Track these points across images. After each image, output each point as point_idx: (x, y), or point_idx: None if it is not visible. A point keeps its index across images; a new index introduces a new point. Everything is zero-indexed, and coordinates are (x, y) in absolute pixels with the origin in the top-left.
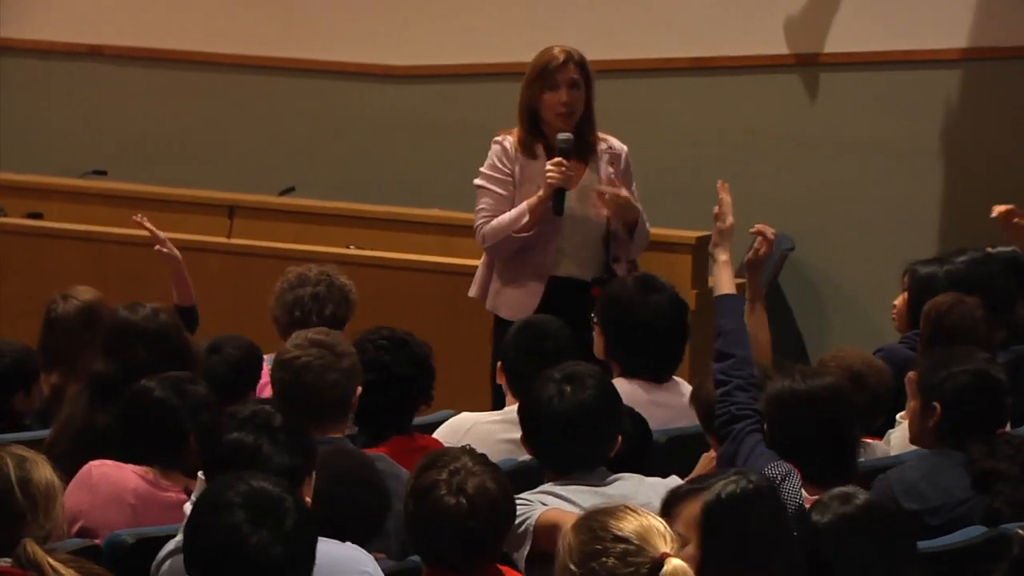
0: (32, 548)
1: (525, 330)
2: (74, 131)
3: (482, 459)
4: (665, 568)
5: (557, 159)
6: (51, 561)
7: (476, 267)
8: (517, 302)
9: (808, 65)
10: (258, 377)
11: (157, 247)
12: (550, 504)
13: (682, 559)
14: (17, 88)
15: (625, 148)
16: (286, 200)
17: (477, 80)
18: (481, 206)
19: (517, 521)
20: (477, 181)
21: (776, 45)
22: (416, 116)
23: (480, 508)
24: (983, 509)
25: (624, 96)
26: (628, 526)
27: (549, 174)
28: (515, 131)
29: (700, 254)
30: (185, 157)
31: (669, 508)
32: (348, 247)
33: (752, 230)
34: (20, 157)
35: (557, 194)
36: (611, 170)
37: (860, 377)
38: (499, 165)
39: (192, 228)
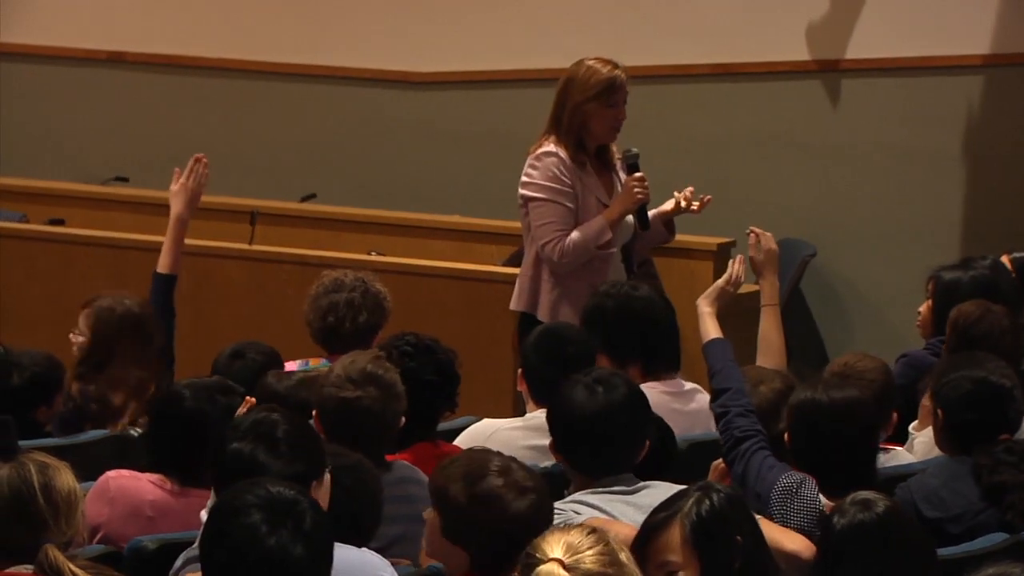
0: (53, 554)
1: (547, 336)
2: (96, 138)
3: (513, 459)
4: (540, 567)
5: (639, 175)
6: (72, 567)
7: (496, 273)
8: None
9: (830, 71)
10: None
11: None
12: (584, 514)
13: None
14: (38, 95)
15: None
16: (308, 206)
17: (498, 87)
18: (550, 220)
19: None
20: (535, 194)
21: (798, 51)
22: (437, 122)
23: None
24: (999, 518)
25: (646, 102)
26: (546, 539)
27: (637, 191)
28: (551, 141)
29: (721, 260)
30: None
31: (648, 540)
32: (369, 253)
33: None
34: (42, 164)
35: (641, 209)
36: (624, 176)
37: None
38: (562, 178)
39: (214, 235)
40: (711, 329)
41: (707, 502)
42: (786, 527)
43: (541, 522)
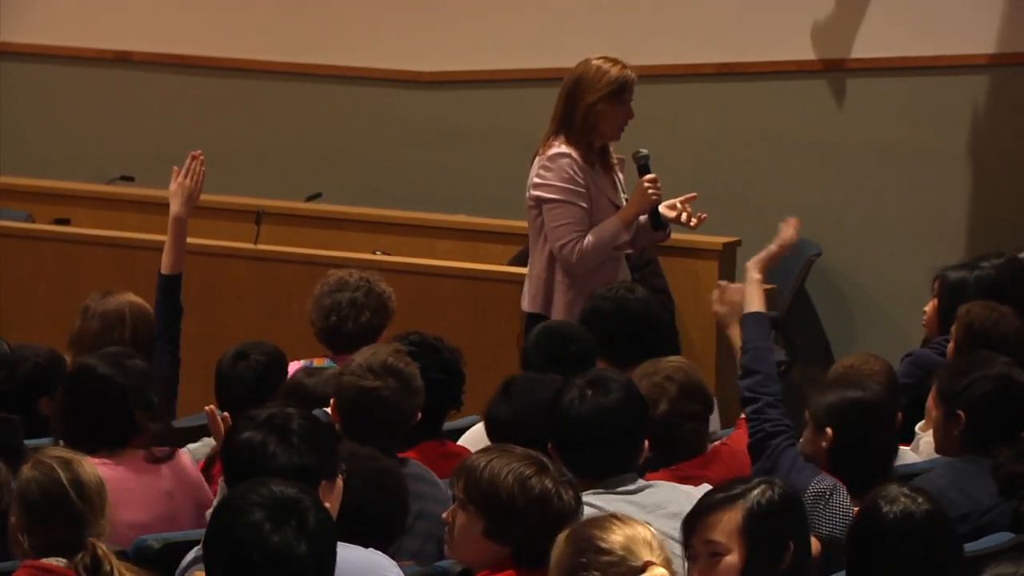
0: (102, 550)
1: (547, 335)
2: (101, 137)
3: (537, 453)
4: (646, 575)
5: (652, 176)
6: (115, 562)
7: (502, 272)
8: None
9: (835, 70)
10: (282, 383)
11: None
12: (586, 514)
13: (723, 568)
14: (44, 94)
15: None
16: (313, 206)
17: (504, 86)
18: (567, 221)
19: None
20: (550, 195)
21: (803, 51)
22: (443, 122)
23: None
24: (1010, 515)
25: (651, 102)
26: (614, 537)
27: (651, 191)
28: (561, 142)
29: (727, 260)
30: (212, 163)
31: (700, 517)
32: (375, 253)
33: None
34: (47, 163)
35: (654, 209)
36: (622, 176)
37: None
38: (577, 178)
39: (219, 234)
40: (755, 299)
41: (768, 494)
42: (816, 533)
43: (579, 511)
